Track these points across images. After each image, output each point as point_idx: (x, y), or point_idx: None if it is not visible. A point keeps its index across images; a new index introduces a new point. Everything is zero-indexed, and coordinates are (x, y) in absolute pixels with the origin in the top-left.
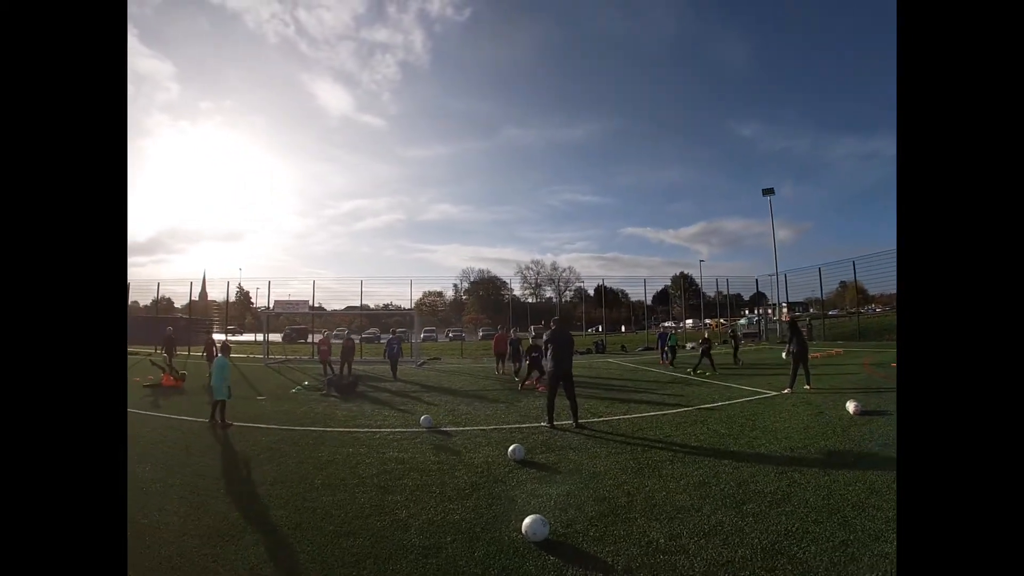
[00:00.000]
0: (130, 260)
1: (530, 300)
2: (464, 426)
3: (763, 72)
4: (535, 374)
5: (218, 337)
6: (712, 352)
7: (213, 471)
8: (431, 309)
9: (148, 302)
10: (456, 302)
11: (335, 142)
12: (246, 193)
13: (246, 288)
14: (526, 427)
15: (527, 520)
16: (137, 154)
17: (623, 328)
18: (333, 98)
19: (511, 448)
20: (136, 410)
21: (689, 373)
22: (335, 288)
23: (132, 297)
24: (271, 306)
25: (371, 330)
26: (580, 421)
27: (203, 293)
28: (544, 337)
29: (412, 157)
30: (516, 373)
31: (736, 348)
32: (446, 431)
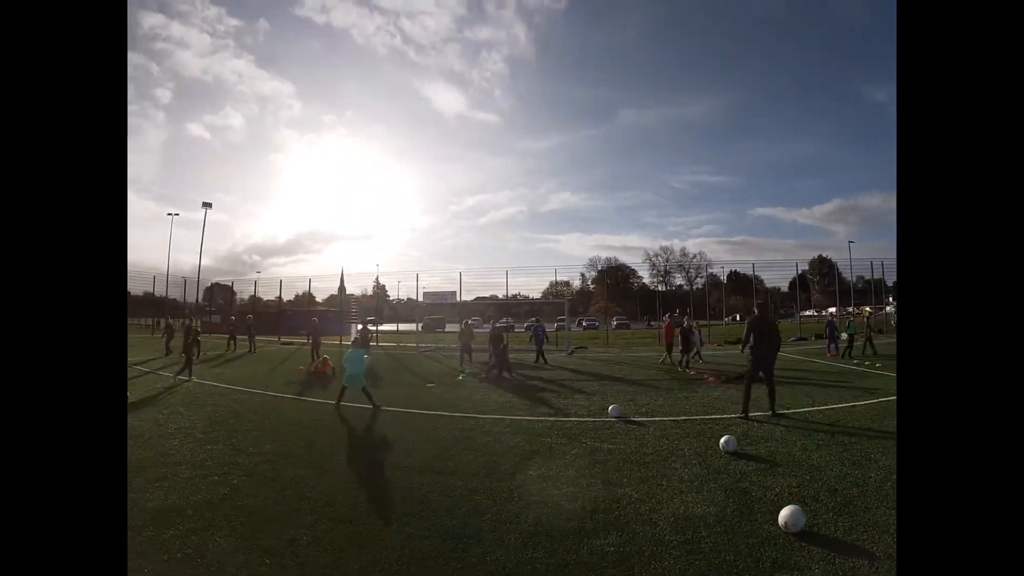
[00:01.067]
0: (271, 260)
1: (659, 288)
2: (653, 416)
3: (891, 28)
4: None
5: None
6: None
7: (461, 467)
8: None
9: (292, 296)
10: (583, 291)
11: (453, 141)
12: (374, 195)
13: (383, 282)
14: (719, 418)
15: (786, 511)
16: (271, 166)
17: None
18: (447, 99)
19: (723, 440)
20: (316, 399)
21: (857, 364)
22: (466, 281)
23: (279, 292)
24: (420, 297)
25: (504, 319)
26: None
27: (342, 288)
28: (746, 324)
29: (529, 149)
30: (682, 363)
31: (869, 338)
32: (637, 421)
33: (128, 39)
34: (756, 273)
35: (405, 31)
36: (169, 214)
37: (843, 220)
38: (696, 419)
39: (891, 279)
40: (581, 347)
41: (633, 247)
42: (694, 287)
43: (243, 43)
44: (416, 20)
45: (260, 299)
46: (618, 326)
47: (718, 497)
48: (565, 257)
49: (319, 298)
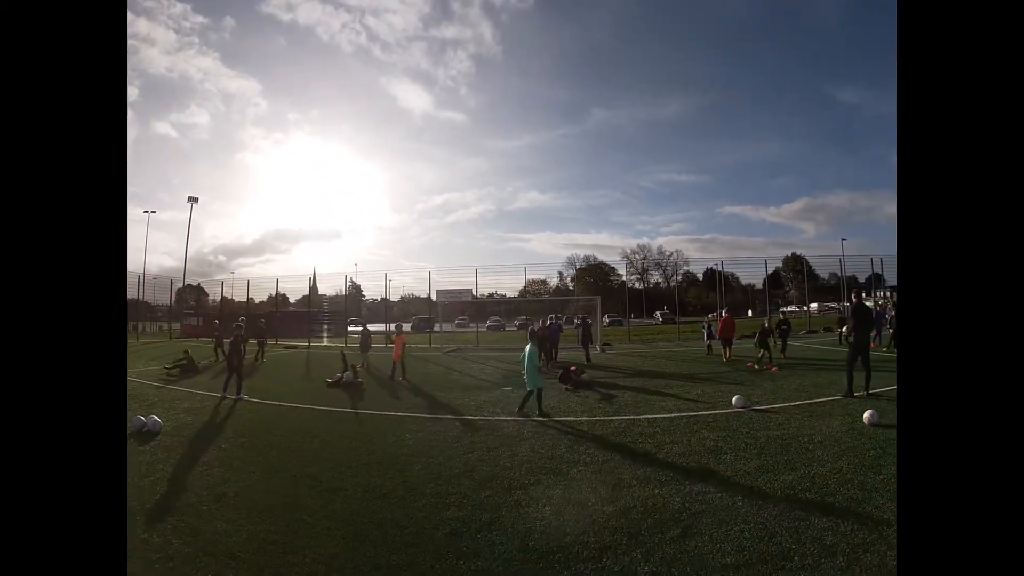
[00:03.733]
0: (239, 260)
1: (638, 285)
2: (772, 404)
3: (861, 30)
4: (763, 353)
5: (368, 327)
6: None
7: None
8: (536, 297)
9: (264, 298)
10: (560, 289)
11: (419, 140)
12: (341, 194)
13: (357, 282)
14: (828, 400)
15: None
16: (238, 165)
17: (750, 312)
18: (413, 97)
19: (867, 414)
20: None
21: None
22: (435, 279)
23: (250, 294)
24: (434, 295)
25: (494, 319)
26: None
27: (313, 287)
28: (848, 310)
29: (497, 148)
30: (762, 359)
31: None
32: (762, 409)
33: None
34: (728, 270)
35: (371, 28)
36: (145, 211)
37: (811, 219)
38: (815, 402)
39: (862, 275)
40: (607, 343)
41: (603, 245)
42: (671, 284)
43: (209, 40)
44: (382, 18)
45: (229, 300)
46: (610, 323)
47: None
48: (536, 256)
49: (291, 299)
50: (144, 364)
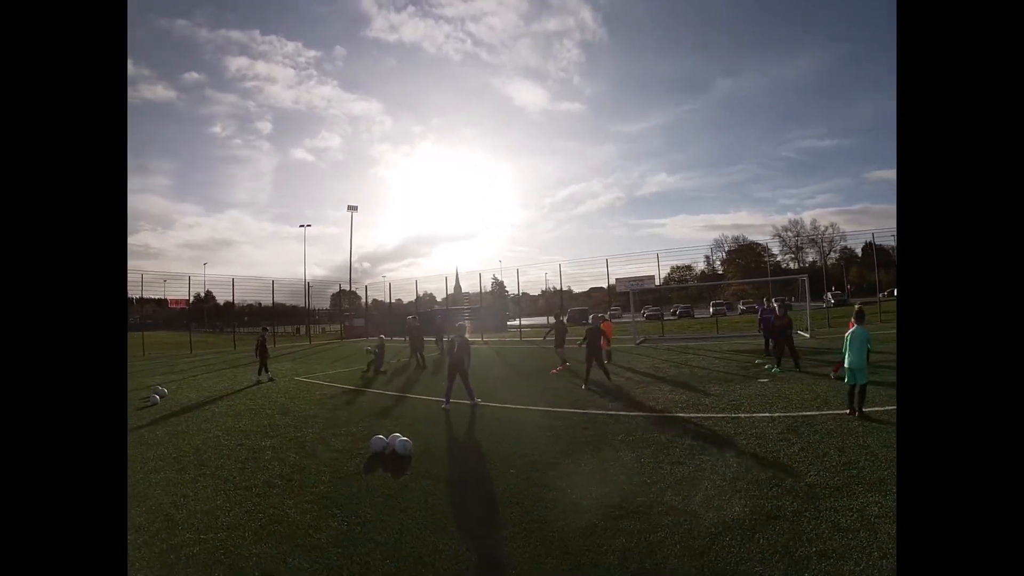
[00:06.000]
0: (384, 266)
1: (792, 265)
2: None
3: None
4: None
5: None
6: None
7: None
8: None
9: (411, 299)
10: (707, 275)
11: (539, 134)
12: (471, 195)
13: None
14: None
15: None
16: (372, 179)
17: None
18: (526, 94)
19: None
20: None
21: None
22: (573, 273)
23: (396, 295)
24: (614, 283)
25: (614, 308)
26: None
27: (457, 286)
28: None
29: (619, 132)
30: None
31: None
32: None
33: (220, 82)
34: (886, 244)
35: (474, 34)
36: (301, 226)
37: None
38: None
39: None
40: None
41: (745, 224)
42: (827, 262)
43: (325, 70)
44: (481, 22)
45: (379, 302)
46: (746, 311)
47: None
48: (672, 241)
49: (437, 298)
50: (329, 366)
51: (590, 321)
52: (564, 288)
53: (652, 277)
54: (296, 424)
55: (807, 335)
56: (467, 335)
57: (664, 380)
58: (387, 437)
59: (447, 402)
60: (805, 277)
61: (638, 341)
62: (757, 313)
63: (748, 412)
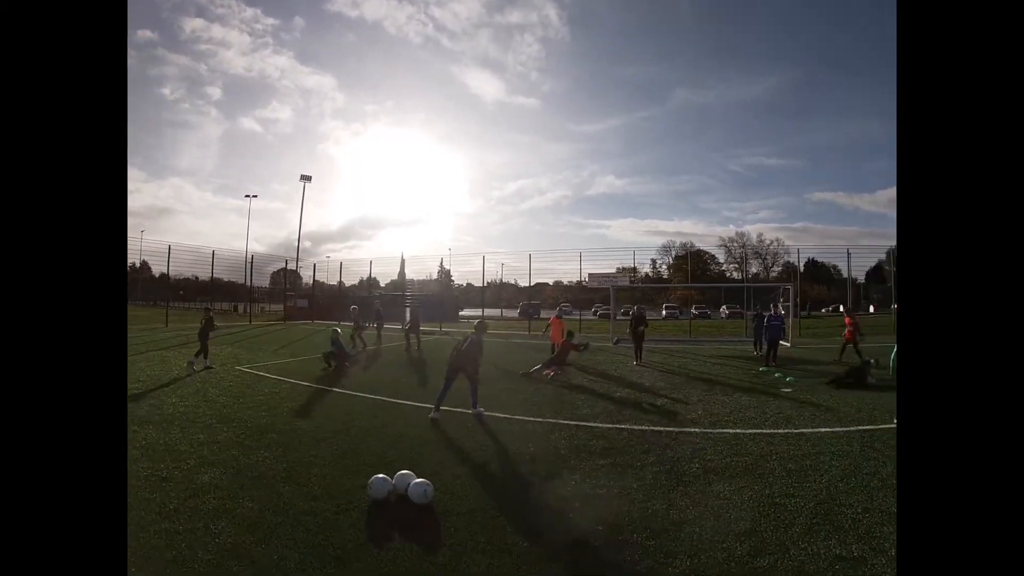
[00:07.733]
0: (326, 246)
1: (736, 275)
2: None
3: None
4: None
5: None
6: None
7: None
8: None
9: (356, 281)
10: (652, 278)
11: (492, 126)
12: (420, 181)
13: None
14: None
15: None
16: (321, 155)
17: (871, 308)
18: (484, 85)
19: None
20: None
21: None
22: (512, 264)
23: (341, 278)
24: (586, 279)
25: (564, 304)
26: None
27: (402, 272)
28: None
29: (573, 132)
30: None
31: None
32: None
33: (173, 43)
34: (827, 262)
35: (436, 19)
36: (247, 196)
37: None
38: None
39: None
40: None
41: (688, 233)
42: (770, 275)
43: (281, 40)
44: (446, 7)
45: (321, 284)
46: (698, 315)
47: None
48: (616, 243)
49: (381, 283)
50: (275, 355)
51: (634, 311)
52: (510, 281)
53: (626, 276)
54: (245, 442)
55: (788, 344)
56: (483, 334)
57: (699, 381)
58: (391, 476)
59: (436, 411)
60: (789, 286)
61: (614, 341)
62: (764, 320)
63: (812, 428)
